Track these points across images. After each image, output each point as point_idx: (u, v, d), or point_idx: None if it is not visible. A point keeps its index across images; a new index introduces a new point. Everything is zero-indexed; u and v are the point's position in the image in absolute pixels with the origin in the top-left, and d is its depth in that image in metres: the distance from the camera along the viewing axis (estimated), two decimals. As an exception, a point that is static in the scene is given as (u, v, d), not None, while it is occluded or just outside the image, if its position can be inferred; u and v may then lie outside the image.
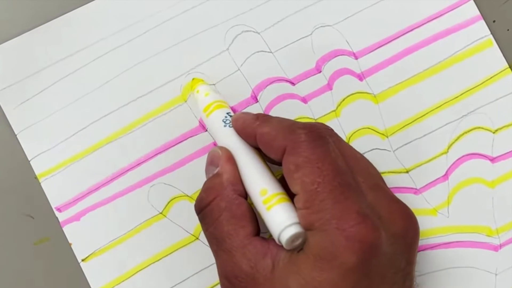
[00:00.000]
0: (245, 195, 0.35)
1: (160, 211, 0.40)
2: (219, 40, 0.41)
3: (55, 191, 0.40)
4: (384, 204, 0.33)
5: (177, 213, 0.40)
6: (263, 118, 0.35)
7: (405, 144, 0.41)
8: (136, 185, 0.40)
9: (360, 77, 0.41)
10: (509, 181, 0.40)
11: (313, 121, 0.40)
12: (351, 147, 0.36)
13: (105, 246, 0.40)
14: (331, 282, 0.31)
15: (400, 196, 0.36)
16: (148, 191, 0.40)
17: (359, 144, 0.40)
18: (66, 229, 0.40)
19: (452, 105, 0.41)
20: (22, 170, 0.40)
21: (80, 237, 0.40)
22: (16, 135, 0.40)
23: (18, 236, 0.40)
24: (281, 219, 0.33)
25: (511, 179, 0.40)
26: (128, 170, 0.40)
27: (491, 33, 0.41)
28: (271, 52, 0.41)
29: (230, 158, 0.35)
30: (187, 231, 0.40)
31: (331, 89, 0.41)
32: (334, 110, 0.41)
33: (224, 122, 0.37)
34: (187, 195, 0.40)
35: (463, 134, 0.41)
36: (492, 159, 0.40)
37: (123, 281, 0.39)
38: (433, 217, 0.40)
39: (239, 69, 0.41)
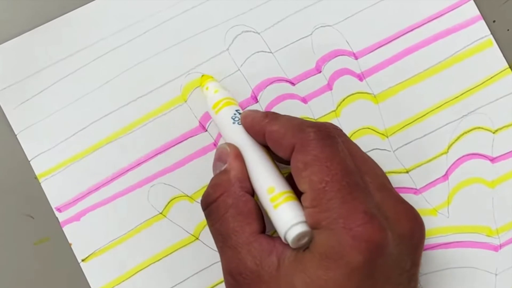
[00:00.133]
0: (252, 193, 0.35)
1: (160, 211, 0.40)
2: (219, 40, 0.41)
3: (55, 191, 0.40)
4: (390, 204, 0.33)
5: (177, 213, 0.40)
6: (272, 116, 0.35)
7: (405, 144, 0.41)
8: (136, 185, 0.40)
9: (360, 77, 0.41)
10: (509, 181, 0.40)
11: (313, 121, 0.40)
12: (358, 148, 0.36)
13: (105, 246, 0.40)
14: (336, 281, 0.31)
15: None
16: (148, 191, 0.40)
17: (359, 144, 0.40)
18: (66, 229, 0.40)
19: (452, 105, 0.41)
20: (22, 170, 0.40)
21: (80, 237, 0.40)
22: (16, 135, 0.40)
23: (18, 236, 0.40)
24: (288, 218, 0.33)
25: (511, 179, 0.40)
26: (128, 170, 0.40)
27: (491, 33, 0.41)
28: (271, 52, 0.41)
29: (238, 155, 0.35)
30: (187, 231, 0.40)
31: (331, 89, 0.41)
32: (334, 110, 0.41)
33: (233, 119, 0.37)
34: (187, 195, 0.40)
35: (463, 134, 0.41)
36: (492, 159, 0.41)
37: (123, 281, 0.39)
38: (433, 217, 0.40)
39: (239, 69, 0.41)
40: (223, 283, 0.39)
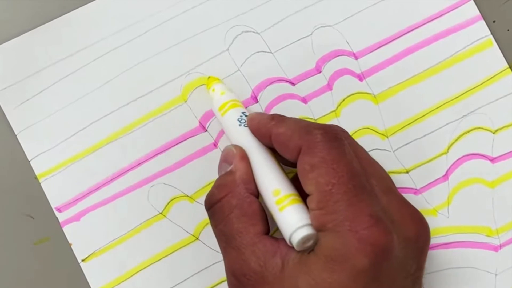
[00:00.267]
0: (257, 194, 0.35)
1: (160, 211, 0.40)
2: (219, 40, 0.41)
3: (55, 191, 0.40)
4: (396, 208, 0.33)
5: (177, 213, 0.40)
6: (279, 118, 0.35)
7: (405, 144, 0.41)
8: (136, 185, 0.40)
9: (360, 77, 0.41)
10: (509, 181, 0.40)
11: (313, 121, 0.40)
12: (364, 150, 0.36)
13: (105, 246, 0.40)
14: (341, 284, 0.31)
15: (400, 196, 0.36)
16: (148, 191, 0.40)
17: (359, 144, 0.40)
18: (66, 229, 0.40)
19: (452, 105, 0.41)
20: (22, 170, 0.40)
21: (80, 237, 0.40)
22: (16, 135, 0.40)
23: (18, 236, 0.40)
24: (293, 220, 0.33)
25: (511, 179, 0.40)
26: (128, 170, 0.40)
27: (491, 33, 0.41)
28: (271, 52, 0.41)
29: (244, 157, 0.35)
30: (187, 231, 0.40)
31: (331, 89, 0.41)
32: (334, 111, 0.41)
33: (239, 121, 0.37)
34: (187, 195, 0.40)
35: (463, 134, 0.41)
36: (492, 159, 0.41)
37: (123, 281, 0.39)
38: (433, 217, 0.40)
39: (239, 69, 0.41)
40: (223, 283, 0.39)
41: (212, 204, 0.35)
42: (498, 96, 0.41)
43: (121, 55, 0.41)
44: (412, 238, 0.33)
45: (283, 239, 0.33)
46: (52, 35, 0.41)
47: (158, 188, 0.40)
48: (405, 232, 0.33)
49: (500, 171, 0.40)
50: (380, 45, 0.41)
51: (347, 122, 0.40)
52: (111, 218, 0.40)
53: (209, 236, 0.39)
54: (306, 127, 0.34)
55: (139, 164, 0.40)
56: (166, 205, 0.40)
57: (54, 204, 0.40)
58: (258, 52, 0.41)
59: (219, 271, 0.39)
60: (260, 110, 0.40)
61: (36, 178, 0.40)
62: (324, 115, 0.41)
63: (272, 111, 0.40)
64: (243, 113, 0.38)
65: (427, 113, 0.41)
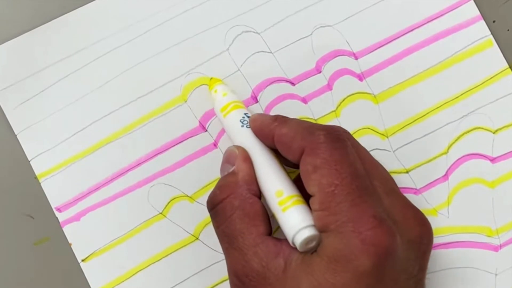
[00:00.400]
0: (259, 196, 0.35)
1: (160, 211, 0.40)
2: (219, 40, 0.41)
3: (55, 191, 0.40)
4: (399, 209, 0.33)
5: (177, 213, 0.40)
6: (282, 119, 0.35)
7: (405, 144, 0.41)
8: (136, 185, 0.40)
9: (360, 77, 0.41)
10: (509, 181, 0.40)
11: (313, 121, 0.40)
12: (367, 151, 0.36)
13: (105, 246, 0.40)
14: (344, 285, 0.31)
15: (400, 196, 0.36)
16: (148, 191, 0.40)
17: (359, 144, 0.40)
18: (66, 229, 0.40)
19: (452, 105, 0.41)
20: (22, 170, 0.40)
21: (80, 237, 0.40)
22: (16, 135, 0.40)
23: (18, 236, 0.40)
24: (296, 221, 0.33)
25: (511, 179, 0.40)
26: (128, 170, 0.40)
27: (491, 33, 0.41)
28: (271, 52, 0.41)
29: (247, 158, 0.35)
30: (187, 231, 0.40)
31: (331, 89, 0.41)
32: (334, 111, 0.41)
33: (242, 122, 0.37)
34: (187, 195, 0.40)
35: (463, 134, 0.41)
36: (492, 159, 0.40)
37: (123, 281, 0.39)
38: (433, 217, 0.40)
39: (239, 70, 0.41)
40: (223, 283, 0.39)
41: (215, 205, 0.35)
42: (498, 96, 0.41)
43: (121, 55, 0.41)
44: (415, 239, 0.33)
45: (285, 240, 0.33)
46: (52, 35, 0.41)
47: (158, 188, 0.40)
48: (408, 233, 0.33)
49: (500, 171, 0.40)
50: (380, 45, 0.41)
51: (347, 122, 0.40)
52: (111, 218, 0.40)
53: (209, 236, 0.39)
54: (309, 128, 0.34)
55: (139, 164, 0.40)
56: (166, 205, 0.40)
57: (54, 204, 0.40)
58: (258, 52, 0.41)
59: (219, 271, 0.39)
60: (260, 110, 0.40)
61: (36, 178, 0.40)
62: (324, 115, 0.41)
63: (272, 111, 0.40)
64: (245, 114, 0.38)
65: (427, 113, 0.41)
